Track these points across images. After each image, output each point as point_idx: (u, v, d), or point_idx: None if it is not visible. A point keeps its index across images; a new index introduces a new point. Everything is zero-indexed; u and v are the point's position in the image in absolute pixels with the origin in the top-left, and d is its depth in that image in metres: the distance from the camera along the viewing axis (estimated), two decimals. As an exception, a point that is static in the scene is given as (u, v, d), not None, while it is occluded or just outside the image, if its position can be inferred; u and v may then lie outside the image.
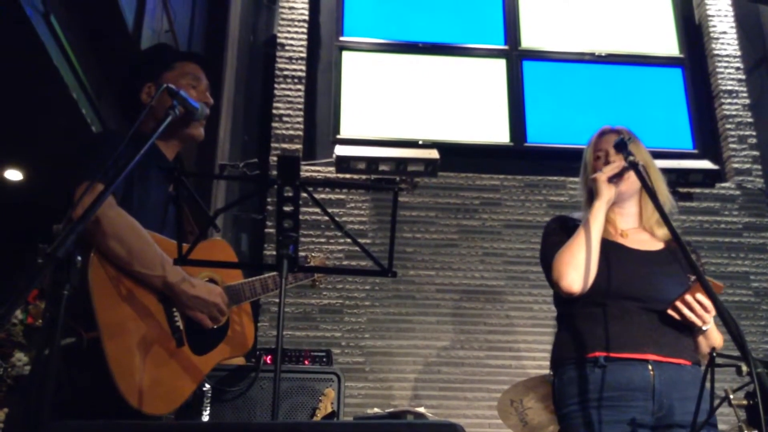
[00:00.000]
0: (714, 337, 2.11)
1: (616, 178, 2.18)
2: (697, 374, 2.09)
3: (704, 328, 2.05)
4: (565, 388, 2.11)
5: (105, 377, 1.79)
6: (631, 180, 2.21)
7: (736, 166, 5.51)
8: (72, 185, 1.91)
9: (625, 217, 2.29)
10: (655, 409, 2.01)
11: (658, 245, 2.22)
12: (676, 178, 5.13)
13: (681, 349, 2.08)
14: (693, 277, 2.10)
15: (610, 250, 2.18)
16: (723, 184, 5.44)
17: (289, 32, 5.59)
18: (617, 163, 2.18)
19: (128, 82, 2.21)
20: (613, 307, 2.10)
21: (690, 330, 2.10)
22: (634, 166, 2.06)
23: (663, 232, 2.23)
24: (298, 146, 5.28)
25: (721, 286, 1.88)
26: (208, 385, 2.79)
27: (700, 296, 2.00)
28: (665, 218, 1.91)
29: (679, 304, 2.02)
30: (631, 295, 2.10)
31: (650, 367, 2.03)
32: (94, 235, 1.85)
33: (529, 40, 5.88)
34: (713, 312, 2.02)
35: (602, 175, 2.17)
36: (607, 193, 2.16)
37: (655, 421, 2.02)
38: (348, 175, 5.05)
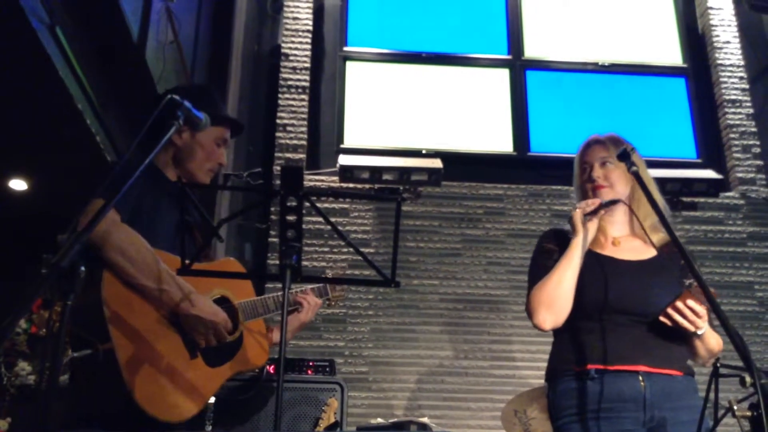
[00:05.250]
0: (711, 341, 2.11)
1: (591, 215, 2.19)
2: (690, 384, 2.10)
3: (699, 332, 2.05)
4: (559, 401, 2.14)
5: (121, 386, 1.81)
6: (616, 191, 2.24)
7: (740, 175, 5.51)
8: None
9: (615, 224, 2.30)
10: (647, 420, 2.02)
11: (651, 252, 2.22)
12: (680, 188, 5.12)
13: (672, 359, 2.09)
14: (688, 282, 2.12)
15: (601, 264, 2.20)
16: (727, 194, 5.43)
17: (293, 42, 5.61)
18: (594, 199, 2.20)
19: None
20: (604, 321, 2.12)
21: (682, 340, 2.11)
22: (615, 202, 2.18)
23: (656, 238, 2.24)
24: (302, 156, 5.29)
25: (711, 291, 1.90)
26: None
27: (691, 302, 2.01)
28: (667, 226, 1.92)
29: (670, 311, 2.03)
30: (622, 310, 2.12)
31: (641, 378, 2.05)
32: (98, 249, 1.88)
33: (532, 49, 5.89)
34: (705, 317, 2.03)
35: (578, 213, 2.19)
36: (582, 230, 2.17)
37: None
38: (351, 185, 5.06)
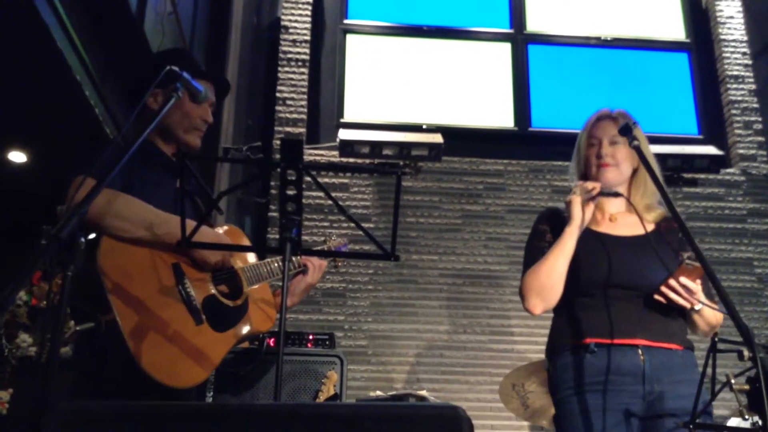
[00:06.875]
0: (709, 315, 2.12)
1: (589, 201, 2.18)
2: (689, 358, 2.12)
3: (696, 308, 2.06)
4: (559, 375, 2.15)
5: (126, 355, 1.81)
6: (620, 171, 2.24)
7: (741, 151, 5.49)
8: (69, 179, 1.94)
9: (613, 202, 2.29)
10: (646, 393, 2.03)
11: (648, 227, 2.22)
12: (680, 164, 5.10)
13: (671, 333, 2.11)
14: (686, 255, 2.14)
15: (598, 241, 2.21)
16: (728, 170, 5.42)
17: (293, 15, 5.56)
18: (595, 184, 2.18)
19: (139, 84, 2.15)
20: (603, 296, 2.14)
21: (680, 314, 2.12)
22: (617, 195, 2.20)
23: (653, 215, 2.26)
24: (302, 130, 5.27)
25: (700, 268, 1.92)
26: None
27: (684, 279, 2.02)
28: (669, 203, 1.92)
29: (663, 288, 2.05)
30: (620, 284, 2.13)
31: (640, 351, 2.06)
32: (97, 223, 1.88)
33: (534, 23, 5.84)
34: (700, 294, 2.04)
35: (576, 199, 2.18)
36: (578, 217, 2.17)
37: (646, 406, 2.04)
38: (351, 159, 5.05)
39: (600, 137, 2.28)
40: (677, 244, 2.21)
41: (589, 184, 2.19)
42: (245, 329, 2.17)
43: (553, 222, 2.29)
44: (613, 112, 2.33)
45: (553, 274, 2.15)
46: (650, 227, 2.22)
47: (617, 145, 2.24)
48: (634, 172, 2.27)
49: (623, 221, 2.26)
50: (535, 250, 2.26)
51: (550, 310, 2.22)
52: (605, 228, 2.26)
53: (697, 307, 2.06)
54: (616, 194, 2.22)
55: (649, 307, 2.10)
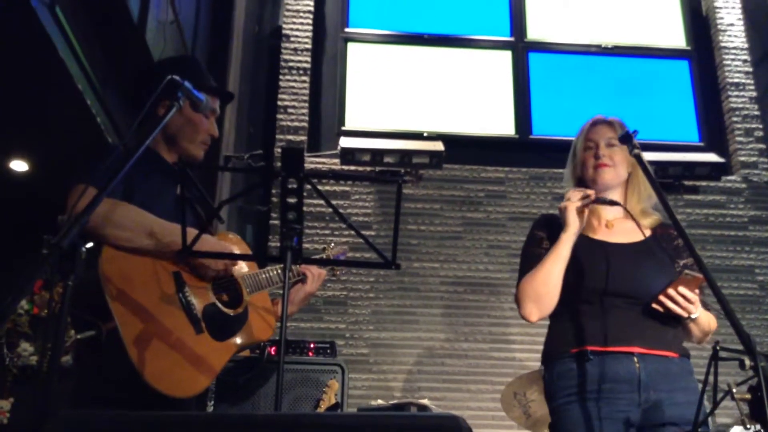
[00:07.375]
0: (704, 322, 2.12)
1: (584, 207, 2.19)
2: (685, 366, 2.12)
3: (692, 316, 2.06)
4: (555, 383, 2.15)
5: (128, 364, 1.81)
6: (617, 172, 2.25)
7: (742, 159, 5.49)
8: (70, 186, 1.94)
9: (609, 208, 2.30)
10: (642, 401, 2.03)
11: (646, 233, 2.22)
12: (681, 171, 5.11)
13: (667, 341, 2.11)
14: (682, 263, 2.14)
15: (595, 248, 2.21)
16: (729, 177, 5.42)
17: (294, 23, 5.58)
18: (589, 192, 2.19)
19: (144, 90, 2.13)
20: (600, 304, 2.14)
21: (677, 321, 2.12)
22: (614, 204, 2.20)
23: (648, 221, 2.26)
24: (303, 138, 5.28)
25: (701, 277, 1.92)
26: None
27: (683, 289, 2.02)
28: (667, 208, 1.92)
29: (662, 298, 2.05)
30: (617, 292, 2.13)
31: (636, 359, 2.06)
32: (97, 233, 1.88)
33: (535, 31, 5.85)
34: (697, 302, 2.04)
35: (570, 206, 2.18)
36: (573, 224, 2.17)
37: (643, 414, 2.03)
38: (352, 167, 5.05)
39: (597, 140, 2.30)
40: (673, 251, 2.22)
41: (584, 192, 2.20)
42: (245, 338, 2.16)
43: (550, 228, 2.29)
44: (607, 118, 2.36)
45: (549, 281, 2.15)
46: (647, 233, 2.23)
47: (614, 148, 2.27)
48: (629, 175, 2.29)
49: (620, 227, 2.27)
50: (532, 256, 2.27)
51: (547, 317, 2.22)
52: (602, 235, 2.26)
53: (694, 315, 2.06)
54: (613, 203, 2.22)
55: (646, 315, 2.10)
